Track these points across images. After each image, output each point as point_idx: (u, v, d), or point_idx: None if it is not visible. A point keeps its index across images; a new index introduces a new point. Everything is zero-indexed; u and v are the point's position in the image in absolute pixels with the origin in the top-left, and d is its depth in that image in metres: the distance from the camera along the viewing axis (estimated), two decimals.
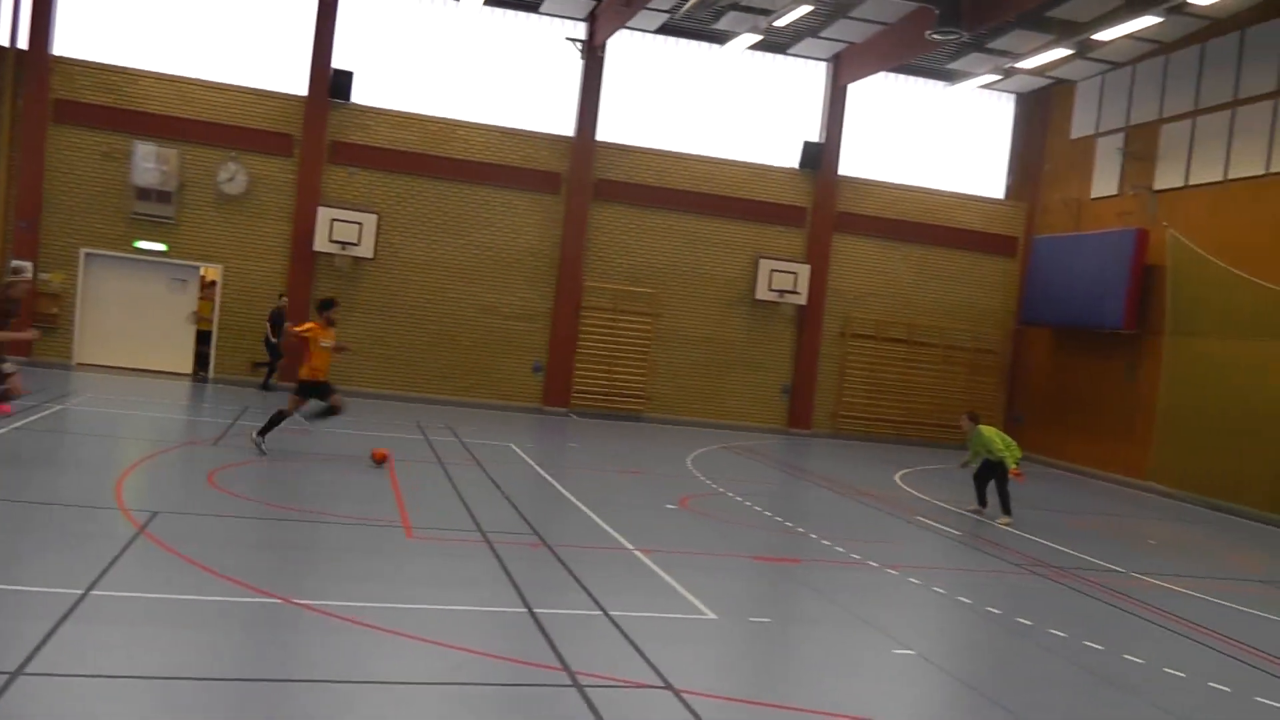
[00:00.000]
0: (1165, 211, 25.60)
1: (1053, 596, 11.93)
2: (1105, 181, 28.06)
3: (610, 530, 12.44)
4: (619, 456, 20.33)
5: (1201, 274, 24.03)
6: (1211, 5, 21.63)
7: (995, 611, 10.71)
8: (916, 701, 7.98)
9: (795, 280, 28.35)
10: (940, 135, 30.62)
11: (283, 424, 15.66)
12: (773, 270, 28.23)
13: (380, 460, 15.35)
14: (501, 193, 26.86)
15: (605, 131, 27.52)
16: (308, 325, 15.83)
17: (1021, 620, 10.40)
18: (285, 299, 25.11)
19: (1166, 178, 25.90)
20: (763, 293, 28.28)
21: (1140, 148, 26.75)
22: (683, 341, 28.13)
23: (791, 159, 28.89)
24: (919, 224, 29.81)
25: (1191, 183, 25.12)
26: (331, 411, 15.87)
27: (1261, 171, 23.17)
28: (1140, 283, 25.72)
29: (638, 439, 23.46)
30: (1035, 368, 30.19)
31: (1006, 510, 16.79)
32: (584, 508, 13.77)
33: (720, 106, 28.66)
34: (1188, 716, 8.01)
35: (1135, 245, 25.77)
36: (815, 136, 29.00)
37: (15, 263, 19.66)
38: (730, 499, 16.09)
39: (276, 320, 24.50)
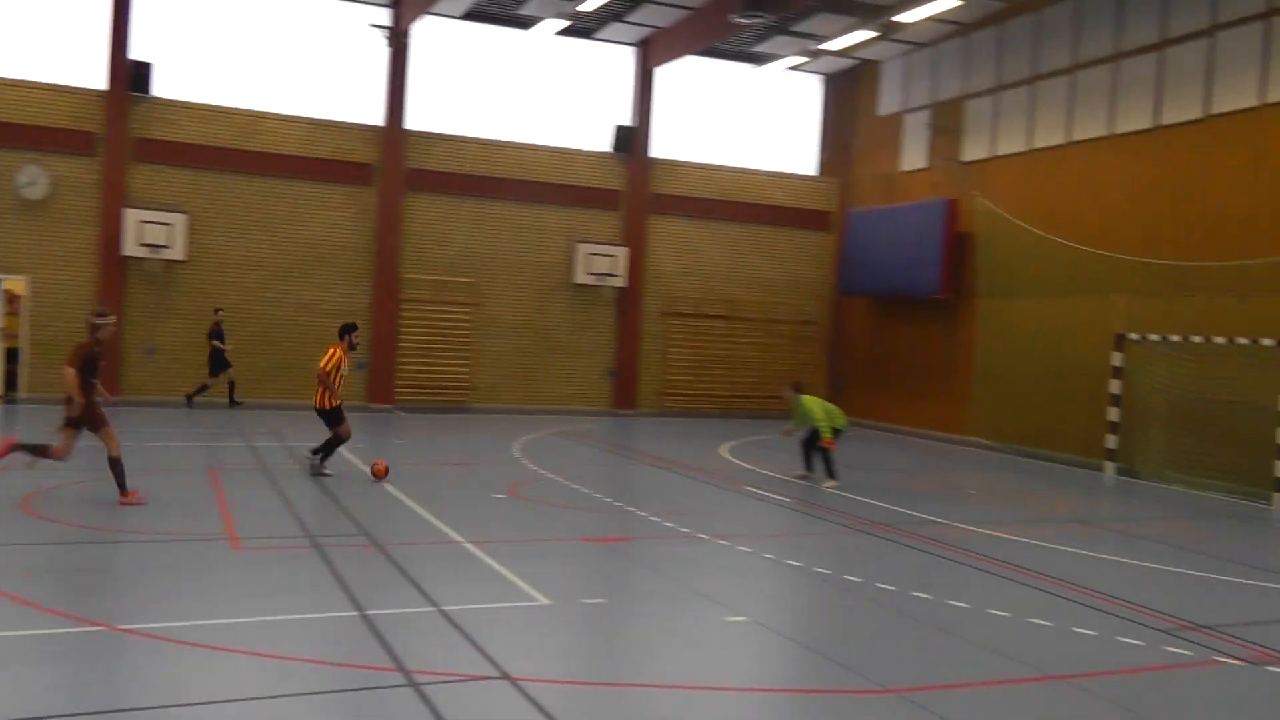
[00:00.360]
0: (974, 181, 26.63)
1: (880, 552, 12.33)
2: (914, 155, 28.99)
3: (440, 524, 12.36)
4: (446, 449, 20.23)
5: (1011, 238, 25.13)
6: None
7: (824, 572, 11.02)
8: (750, 665, 8.19)
9: (614, 263, 28.52)
10: (751, 116, 31.18)
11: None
12: (590, 254, 28.34)
13: (382, 475, 15.22)
14: (313, 186, 26.27)
15: (415, 120, 27.17)
16: (335, 357, 15.49)
17: (850, 578, 10.73)
18: (221, 312, 24.49)
19: (973, 149, 26.96)
20: (582, 277, 28.38)
21: (947, 122, 27.74)
22: (505, 329, 28.04)
23: (604, 143, 29.03)
24: (734, 202, 30.30)
25: (998, 153, 26.22)
26: (339, 442, 15.79)
27: (1063, 141, 24.44)
28: (953, 250, 26.70)
29: (464, 430, 23.34)
30: (856, 336, 31.06)
31: (831, 474, 17.24)
32: (413, 504, 13.64)
33: (530, 92, 28.62)
34: (1010, 651, 8.44)
35: (946, 214, 26.75)
36: (626, 120, 29.19)
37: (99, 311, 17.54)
38: (559, 483, 16.15)
39: (218, 335, 24.10)
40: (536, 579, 9.88)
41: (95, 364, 12.42)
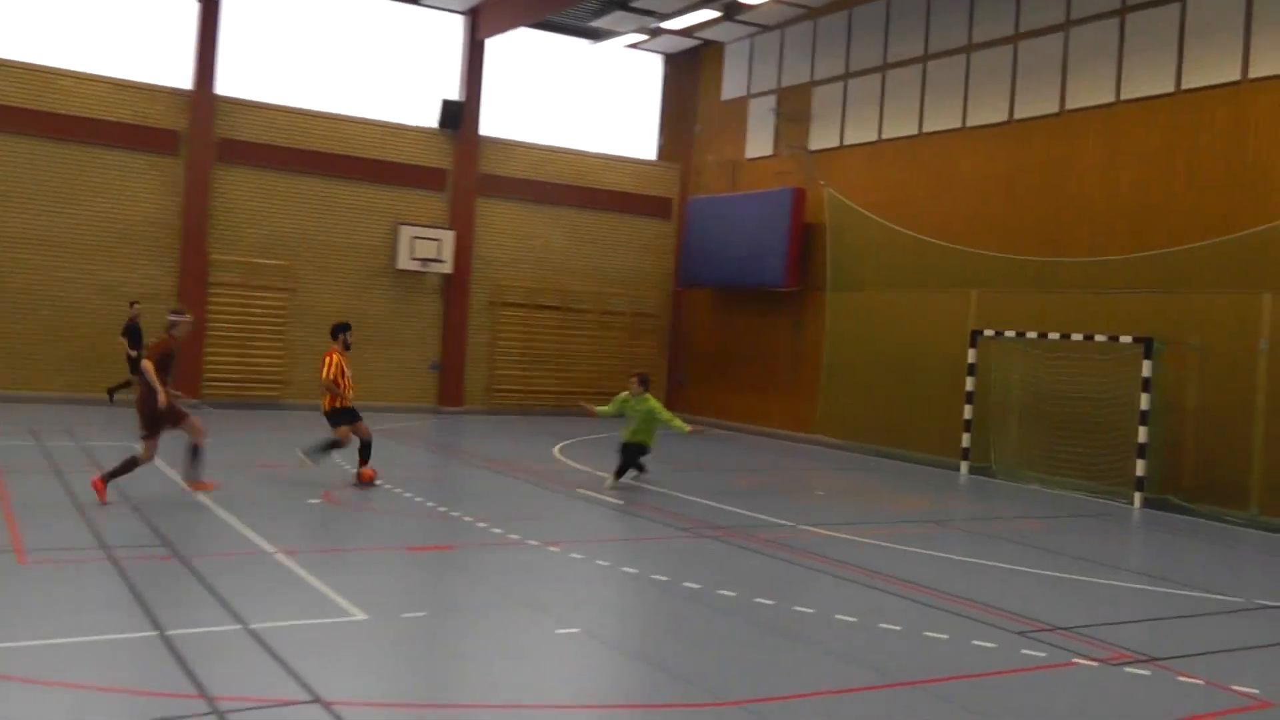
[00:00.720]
0: (822, 171, 27.18)
1: (721, 557, 12.54)
2: (760, 142, 29.46)
3: (249, 533, 12.13)
4: (257, 449, 19.90)
5: (860, 230, 25.79)
6: None
7: (661, 579, 11.14)
8: (582, 680, 8.23)
9: (439, 248, 28.32)
10: (588, 95, 31.31)
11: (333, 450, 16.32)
12: (415, 238, 28.10)
13: (368, 481, 15.59)
14: (114, 153, 25.35)
15: (227, 85, 26.51)
16: (334, 361, 16.06)
17: (689, 585, 10.87)
18: (137, 306, 24.16)
19: (821, 138, 27.57)
20: (405, 262, 28.11)
21: (793, 109, 28.27)
22: (321, 318, 27.26)
23: (430, 118, 28.79)
24: (569, 186, 30.39)
25: (847, 142, 26.82)
26: (336, 445, 16.19)
27: (914, 132, 25.12)
28: (800, 240, 27.25)
29: (277, 428, 22.94)
30: (697, 329, 31.42)
31: (623, 474, 17.56)
32: (220, 510, 13.35)
33: (352, 61, 28.22)
34: (858, 658, 8.65)
35: (793, 204, 27.27)
36: (454, 94, 29.00)
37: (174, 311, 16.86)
38: (378, 487, 16.01)
39: (133, 333, 23.87)
40: (353, 592, 9.76)
41: (171, 360, 13.70)
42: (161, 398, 13.19)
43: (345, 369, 16.27)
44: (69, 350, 25.02)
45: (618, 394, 17.98)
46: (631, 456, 17.51)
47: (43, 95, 24.67)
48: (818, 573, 11.95)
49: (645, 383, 17.93)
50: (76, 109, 24.99)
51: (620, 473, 17.37)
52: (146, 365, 13.38)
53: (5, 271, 24.40)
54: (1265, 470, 18.12)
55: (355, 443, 16.23)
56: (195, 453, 13.89)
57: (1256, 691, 8.42)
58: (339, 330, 16.57)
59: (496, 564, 11.50)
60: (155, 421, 13.40)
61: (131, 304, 24.19)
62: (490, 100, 29.51)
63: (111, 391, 24.45)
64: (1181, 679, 8.76)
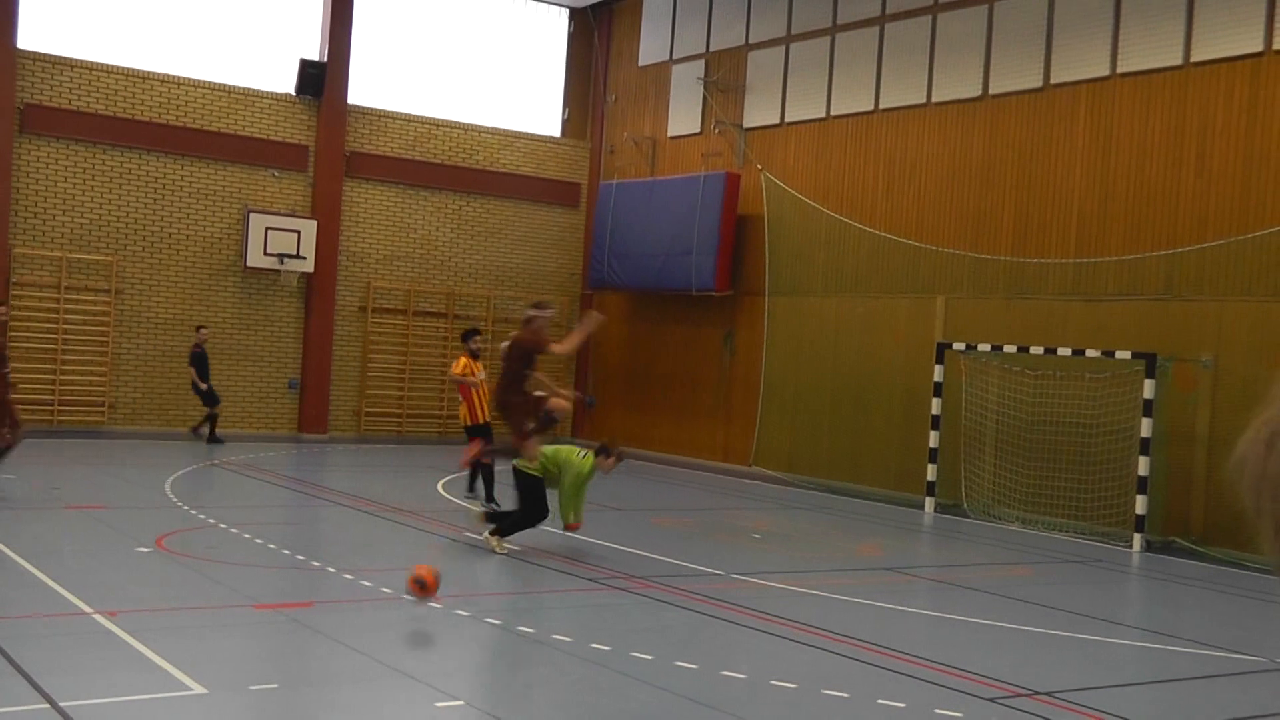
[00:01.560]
0: (759, 152, 27.33)
1: (636, 614, 12.58)
2: (685, 117, 29.56)
3: (61, 590, 11.90)
4: (72, 485, 19.48)
5: (805, 224, 26.01)
6: None
7: (565, 639, 11.12)
8: None
9: (298, 241, 28.06)
10: (479, 58, 31.17)
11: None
12: (268, 228, 27.81)
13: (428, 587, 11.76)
14: None
15: (30, 40, 25.97)
16: (463, 363, 19.56)
17: (597, 646, 10.85)
18: (204, 331, 25.67)
19: (758, 113, 27.70)
20: (257, 258, 27.76)
21: (725, 78, 28.38)
22: (154, 326, 27.15)
23: (287, 83, 28.58)
24: (455, 167, 30.37)
25: (788, 119, 26.93)
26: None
27: (870, 108, 25.21)
28: (733, 236, 27.42)
29: (99, 461, 22.63)
30: (610, 341, 31.40)
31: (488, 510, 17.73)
32: (24, 562, 13.11)
33: (193, 13, 27.85)
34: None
35: (725, 191, 27.35)
36: (315, 55, 28.81)
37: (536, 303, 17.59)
38: (223, 531, 15.86)
39: (200, 362, 25.39)
40: (190, 661, 9.61)
41: None
42: None
43: (477, 374, 19.43)
44: None
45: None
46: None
47: None
48: (752, 630, 12.01)
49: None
50: None
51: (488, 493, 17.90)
52: None
53: None
54: None
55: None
56: None
57: None
58: (468, 336, 20.05)
59: (365, 624, 11.46)
60: None
61: (198, 329, 25.43)
62: (359, 63, 29.34)
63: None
64: None
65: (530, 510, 15.52)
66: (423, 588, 10.77)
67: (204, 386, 25.35)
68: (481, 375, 19.48)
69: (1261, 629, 14.47)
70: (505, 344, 16.65)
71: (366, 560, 14.60)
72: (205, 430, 25.89)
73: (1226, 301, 19.17)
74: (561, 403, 16.23)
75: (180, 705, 8.73)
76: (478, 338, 19.96)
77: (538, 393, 16.03)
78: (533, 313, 16.29)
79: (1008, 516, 21.01)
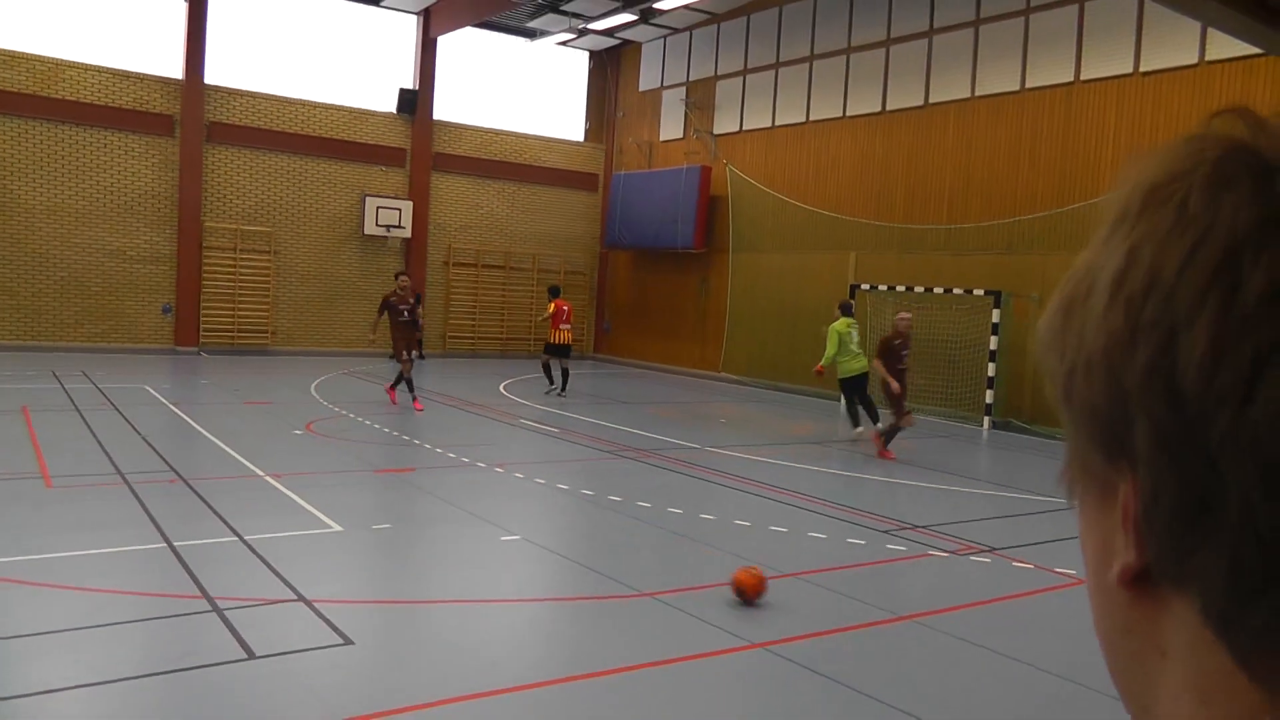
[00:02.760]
0: (725, 151, 27.32)
1: (639, 475, 12.67)
2: (672, 127, 29.47)
3: (242, 459, 12.10)
4: (248, 389, 19.60)
5: (757, 202, 25.99)
6: None
7: (589, 493, 11.29)
8: (523, 579, 8.36)
9: (400, 216, 28.07)
10: (525, 85, 31.02)
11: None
12: (379, 207, 27.79)
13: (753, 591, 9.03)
14: (117, 135, 24.57)
15: (214, 75, 25.87)
16: (552, 307, 20.77)
17: (612, 497, 11.02)
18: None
19: (724, 124, 27.64)
20: (371, 228, 27.80)
21: (700, 99, 28.34)
22: (301, 277, 27.27)
23: (390, 104, 28.42)
24: (510, 163, 30.18)
25: (746, 128, 26.90)
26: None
27: (802, 120, 25.26)
28: (707, 210, 27.37)
29: (265, 371, 22.69)
30: (620, 284, 31.50)
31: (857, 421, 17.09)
32: (217, 440, 13.31)
33: (323, 54, 27.64)
34: (752, 555, 8.81)
35: (700, 180, 27.36)
36: (410, 84, 28.66)
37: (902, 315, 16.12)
38: (351, 419, 15.98)
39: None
40: (330, 508, 9.83)
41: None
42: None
43: (565, 319, 20.45)
44: (83, 306, 24.50)
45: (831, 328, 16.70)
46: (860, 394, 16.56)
47: (53, 84, 23.91)
48: (720, 486, 12.16)
49: (847, 309, 16.60)
50: (83, 96, 24.26)
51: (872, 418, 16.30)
52: None
53: (24, 238, 23.76)
54: None
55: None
56: None
57: (1074, 573, 8.77)
58: (553, 292, 21.34)
59: (450, 482, 11.58)
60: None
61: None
62: (441, 89, 29.15)
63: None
64: (1015, 565, 9.09)
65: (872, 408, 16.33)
66: (741, 594, 7.56)
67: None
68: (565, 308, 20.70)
69: None
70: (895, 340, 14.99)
71: (451, 438, 14.76)
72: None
73: (1049, 255, 19.24)
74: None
75: (325, 538, 8.94)
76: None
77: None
78: (905, 316, 15.35)
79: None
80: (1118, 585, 0.60)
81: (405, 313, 17.36)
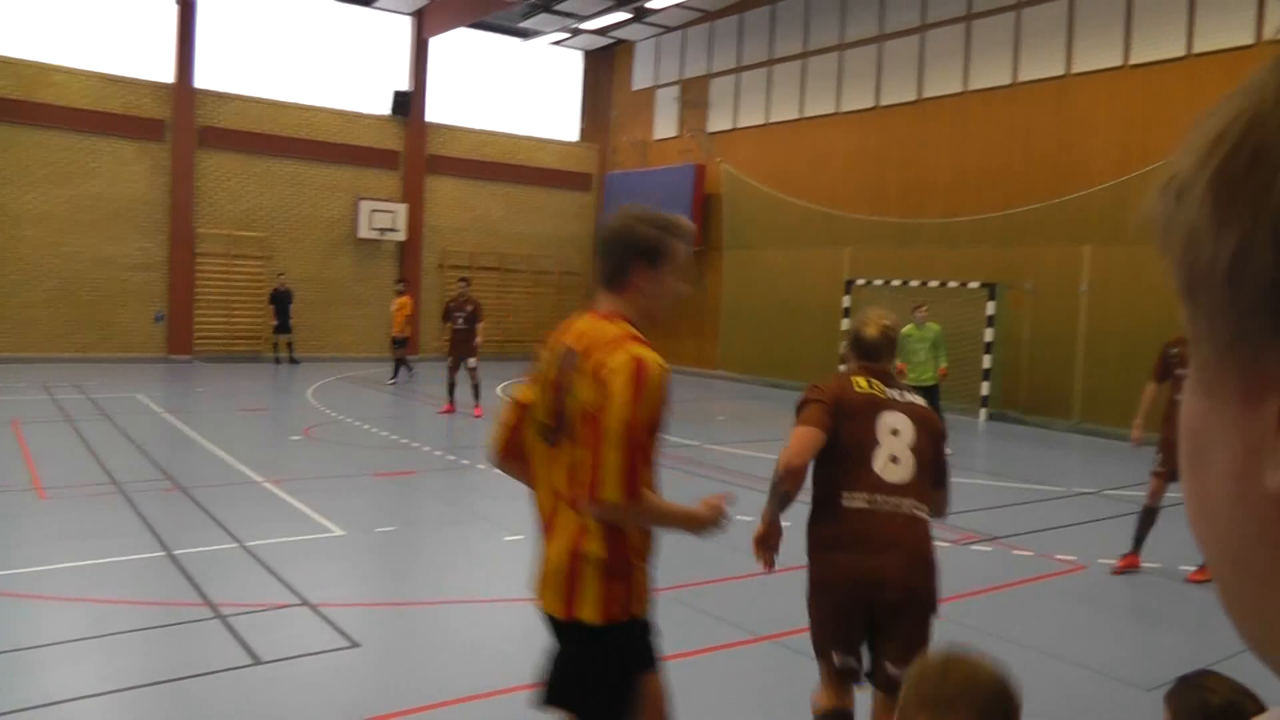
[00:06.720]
0: (719, 149, 27.29)
1: None
2: (666, 125, 29.45)
3: (240, 466, 12.09)
4: (244, 396, 19.59)
5: (752, 199, 25.98)
6: None
7: None
8: (526, 577, 8.29)
9: (394, 219, 28.03)
10: (519, 86, 31.02)
11: None
12: (373, 210, 27.74)
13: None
14: (106, 140, 24.38)
15: (205, 79, 25.71)
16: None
17: None
18: (283, 276, 25.62)
19: (718, 121, 27.64)
20: (365, 231, 27.74)
21: (694, 97, 28.33)
22: (295, 281, 27.14)
23: (383, 106, 28.39)
24: (504, 164, 30.14)
25: (739, 125, 26.91)
26: None
27: (796, 116, 25.25)
28: (702, 208, 27.32)
29: (260, 378, 22.66)
30: None
31: None
32: (213, 447, 13.28)
33: (315, 56, 27.57)
34: (750, 550, 8.78)
35: (695, 178, 27.36)
36: (404, 85, 28.62)
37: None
38: (349, 424, 15.97)
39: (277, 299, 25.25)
40: (331, 512, 9.82)
41: None
42: None
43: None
44: (73, 315, 24.26)
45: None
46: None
47: (39, 89, 23.64)
48: (719, 482, 12.12)
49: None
50: (71, 101, 23.98)
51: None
52: None
53: (11, 247, 23.49)
54: (1083, 388, 18.71)
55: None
56: None
57: (1073, 558, 8.80)
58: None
59: (451, 485, 11.60)
60: None
61: (279, 274, 24.76)
62: (435, 91, 29.13)
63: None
64: (1015, 552, 9.10)
65: None
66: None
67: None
68: None
69: (1065, 469, 14.71)
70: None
71: (448, 441, 14.78)
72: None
73: (1042, 246, 19.29)
74: None
75: (326, 542, 8.93)
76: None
77: None
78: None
79: None
80: (1276, 494, 0.53)
81: (460, 320, 17.61)
